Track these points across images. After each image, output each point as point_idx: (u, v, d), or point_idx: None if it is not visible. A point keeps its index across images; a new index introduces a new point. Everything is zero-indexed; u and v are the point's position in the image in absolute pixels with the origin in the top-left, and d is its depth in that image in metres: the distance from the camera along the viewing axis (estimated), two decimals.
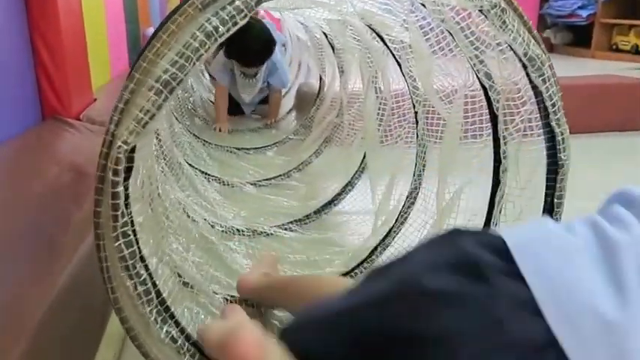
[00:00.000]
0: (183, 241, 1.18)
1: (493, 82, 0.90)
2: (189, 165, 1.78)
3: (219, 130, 2.52)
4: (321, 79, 2.35)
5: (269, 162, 2.12)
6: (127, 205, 0.64)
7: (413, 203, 1.27)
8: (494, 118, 0.94)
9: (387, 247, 1.26)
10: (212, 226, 1.40)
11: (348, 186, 1.62)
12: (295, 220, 1.52)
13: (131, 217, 0.66)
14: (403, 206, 1.27)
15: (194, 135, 2.20)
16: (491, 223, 0.96)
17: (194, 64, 0.60)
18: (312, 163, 1.97)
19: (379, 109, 1.42)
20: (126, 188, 0.63)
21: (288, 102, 2.91)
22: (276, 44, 2.55)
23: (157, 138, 1.41)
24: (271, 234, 1.44)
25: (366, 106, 1.45)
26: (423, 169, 1.27)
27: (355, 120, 1.73)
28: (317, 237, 1.42)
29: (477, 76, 0.92)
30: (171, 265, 0.96)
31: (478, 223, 0.98)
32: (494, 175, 0.96)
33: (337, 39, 1.82)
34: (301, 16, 1.91)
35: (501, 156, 0.94)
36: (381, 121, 1.39)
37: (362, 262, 1.24)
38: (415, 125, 1.27)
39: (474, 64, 0.88)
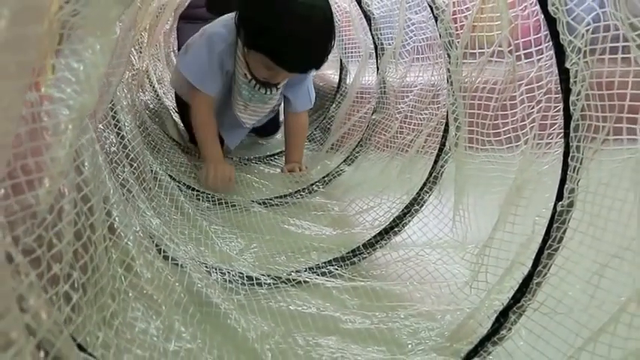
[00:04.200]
0: (162, 315, 0.62)
1: None
2: (170, 177, 1.22)
3: (215, 183, 1.32)
4: (342, 68, 1.79)
5: (279, 174, 1.55)
6: None
7: (562, 239, 0.72)
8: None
9: (525, 310, 0.71)
10: (209, 273, 0.84)
11: (414, 205, 1.05)
12: (336, 259, 0.97)
13: None
14: (547, 238, 0.72)
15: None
16: None
17: None
18: (343, 174, 1.41)
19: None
20: None
21: None
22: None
23: (115, 126, 0.86)
24: (304, 282, 0.89)
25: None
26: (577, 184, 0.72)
27: (410, 115, 1.18)
28: (379, 286, 0.86)
29: None
30: None
31: None
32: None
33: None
34: None
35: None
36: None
37: (484, 341, 0.69)
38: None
39: None
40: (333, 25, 1.27)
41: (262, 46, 1.24)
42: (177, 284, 0.70)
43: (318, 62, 1.31)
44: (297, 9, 1.20)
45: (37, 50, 0.35)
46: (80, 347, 0.44)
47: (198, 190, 1.26)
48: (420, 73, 1.20)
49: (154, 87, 1.87)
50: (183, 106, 1.59)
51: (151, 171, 1.08)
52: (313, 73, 1.57)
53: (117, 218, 0.59)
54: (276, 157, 1.70)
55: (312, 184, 1.36)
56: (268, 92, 1.41)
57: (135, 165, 0.97)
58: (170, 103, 1.87)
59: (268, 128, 1.84)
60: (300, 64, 1.28)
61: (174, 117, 1.77)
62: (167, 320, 0.64)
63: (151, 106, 1.71)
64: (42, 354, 0.33)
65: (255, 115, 1.51)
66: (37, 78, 0.39)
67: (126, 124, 0.97)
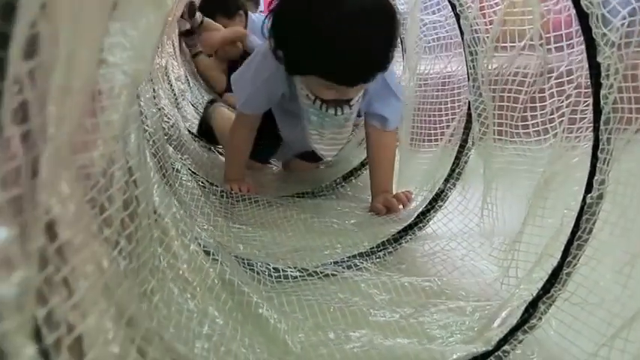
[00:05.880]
0: (196, 296, 0.62)
1: None
2: (193, 172, 1.23)
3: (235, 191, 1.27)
4: None
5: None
6: None
7: (591, 230, 0.72)
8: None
9: (555, 300, 0.71)
10: (238, 263, 0.85)
11: (438, 200, 1.06)
12: (361, 254, 0.98)
13: None
14: (577, 230, 0.72)
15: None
16: None
17: None
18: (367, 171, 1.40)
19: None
20: None
21: None
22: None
23: (140, 113, 0.87)
24: (331, 275, 0.89)
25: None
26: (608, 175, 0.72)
27: (435, 102, 1.19)
28: (408, 281, 0.86)
29: None
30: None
31: None
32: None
33: None
34: None
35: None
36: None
37: (514, 331, 0.69)
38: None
39: None
40: (391, 9, 1.04)
41: (304, 67, 1.05)
42: (210, 270, 0.71)
43: (379, 64, 1.05)
44: (337, 4, 0.98)
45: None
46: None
47: (217, 186, 1.26)
48: (441, 67, 1.20)
49: (171, 84, 1.90)
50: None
51: (173, 167, 1.09)
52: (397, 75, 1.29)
53: (157, 197, 0.60)
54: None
55: (337, 183, 1.36)
56: (340, 113, 1.12)
57: (157, 158, 0.98)
58: (188, 102, 1.90)
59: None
60: (356, 73, 1.03)
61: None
62: (201, 304, 0.65)
63: (170, 101, 1.73)
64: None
65: (335, 145, 1.23)
66: None
67: (147, 116, 0.98)
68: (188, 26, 2.36)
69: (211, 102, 1.73)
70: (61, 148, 0.30)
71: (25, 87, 0.26)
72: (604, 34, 0.70)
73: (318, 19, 0.97)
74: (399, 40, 1.24)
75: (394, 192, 1.22)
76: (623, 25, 0.68)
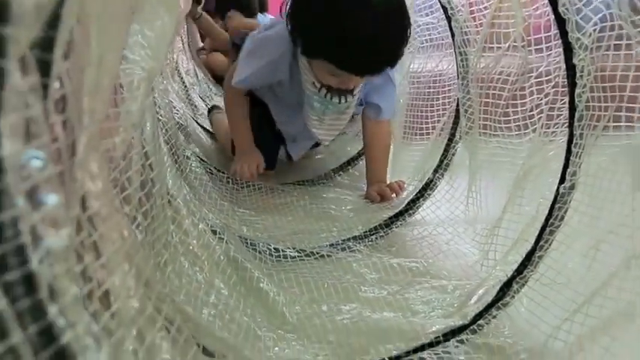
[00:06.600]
0: (204, 270, 0.70)
1: None
2: (201, 160, 1.30)
3: (243, 175, 1.30)
4: None
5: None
6: None
7: (565, 214, 0.79)
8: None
9: (527, 280, 0.78)
10: (241, 243, 0.92)
11: (427, 189, 1.13)
12: (355, 237, 1.05)
13: None
14: (550, 217, 0.79)
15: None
16: None
17: None
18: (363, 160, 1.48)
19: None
20: None
21: None
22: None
23: (154, 104, 0.94)
24: (326, 255, 0.96)
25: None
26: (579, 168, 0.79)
27: (428, 97, 1.25)
28: (396, 262, 0.94)
29: None
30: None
31: None
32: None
33: None
34: None
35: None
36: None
37: (489, 307, 0.76)
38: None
39: None
40: (406, 9, 1.06)
41: (319, 51, 1.07)
42: (217, 247, 0.78)
43: (391, 59, 1.08)
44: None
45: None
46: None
47: (224, 172, 1.33)
48: (432, 66, 1.26)
49: (181, 77, 1.96)
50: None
51: (184, 154, 1.16)
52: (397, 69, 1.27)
53: (170, 180, 0.67)
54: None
55: (335, 172, 1.43)
56: (343, 101, 1.17)
57: (169, 145, 1.05)
58: (197, 95, 1.97)
59: None
60: (368, 64, 1.06)
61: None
62: (209, 276, 0.72)
63: (181, 94, 1.80)
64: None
65: (332, 130, 1.30)
66: None
67: (161, 106, 1.05)
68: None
69: (212, 109, 1.77)
70: (93, 134, 0.37)
71: (65, 83, 0.33)
72: (578, 39, 0.76)
73: (344, 11, 1.00)
74: None
75: (388, 181, 1.29)
76: (595, 30, 0.75)
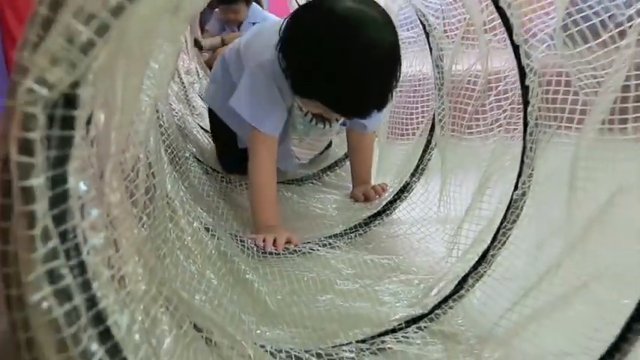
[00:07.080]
0: (197, 262, 0.81)
1: None
2: (199, 160, 1.41)
3: (268, 248, 1.07)
4: None
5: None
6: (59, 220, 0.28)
7: (517, 217, 0.90)
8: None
9: (482, 276, 0.89)
10: (231, 239, 1.03)
11: (404, 192, 1.25)
12: (335, 235, 1.16)
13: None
14: (504, 220, 0.90)
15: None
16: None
17: None
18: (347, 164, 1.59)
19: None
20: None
21: None
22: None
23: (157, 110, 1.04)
24: (307, 252, 1.07)
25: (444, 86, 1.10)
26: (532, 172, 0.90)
27: (409, 106, 1.36)
28: (370, 258, 1.05)
29: None
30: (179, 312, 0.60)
31: None
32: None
33: None
34: None
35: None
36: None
37: (447, 299, 0.88)
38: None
39: None
40: (398, 55, 1.05)
41: (312, 94, 1.06)
42: (209, 242, 0.89)
43: (382, 104, 1.09)
44: (353, 46, 0.98)
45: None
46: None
47: (218, 171, 1.44)
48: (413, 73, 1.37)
49: (181, 78, 2.06)
50: (219, 128, 1.45)
51: (184, 155, 1.27)
52: None
53: (169, 185, 0.78)
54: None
55: (323, 172, 1.54)
56: (328, 126, 1.21)
57: (170, 149, 1.16)
58: (196, 94, 2.07)
59: None
60: (361, 108, 1.07)
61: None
62: (201, 268, 0.83)
63: (180, 95, 1.90)
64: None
65: (312, 149, 1.35)
66: None
67: (163, 113, 1.15)
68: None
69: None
70: (115, 160, 0.48)
71: (99, 127, 0.43)
72: (528, 64, 0.87)
73: (339, 58, 0.98)
74: None
75: (373, 182, 1.40)
76: (542, 56, 0.86)
